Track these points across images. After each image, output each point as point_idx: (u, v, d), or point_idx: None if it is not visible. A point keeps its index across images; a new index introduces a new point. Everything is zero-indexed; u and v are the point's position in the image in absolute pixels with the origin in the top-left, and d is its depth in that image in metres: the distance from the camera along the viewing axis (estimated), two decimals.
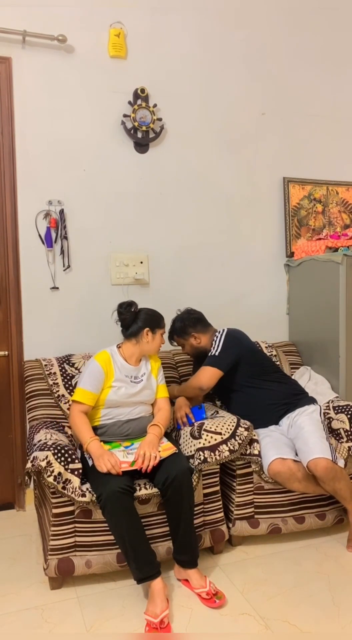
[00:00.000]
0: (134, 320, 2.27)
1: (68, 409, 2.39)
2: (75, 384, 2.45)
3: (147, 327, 2.25)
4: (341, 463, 2.22)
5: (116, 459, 1.99)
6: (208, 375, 2.38)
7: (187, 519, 2.00)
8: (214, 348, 2.42)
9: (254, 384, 2.42)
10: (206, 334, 2.54)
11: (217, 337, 2.46)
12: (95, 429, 2.20)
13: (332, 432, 2.46)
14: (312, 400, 2.49)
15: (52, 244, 2.72)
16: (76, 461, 2.01)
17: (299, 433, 2.28)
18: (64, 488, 1.94)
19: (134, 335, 2.26)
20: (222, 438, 2.15)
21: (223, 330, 2.48)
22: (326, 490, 2.18)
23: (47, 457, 1.96)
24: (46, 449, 2.00)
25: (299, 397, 2.48)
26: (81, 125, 2.77)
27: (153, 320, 2.28)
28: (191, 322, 2.55)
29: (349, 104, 3.38)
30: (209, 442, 2.14)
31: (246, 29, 3.10)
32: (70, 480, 1.96)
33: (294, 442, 2.30)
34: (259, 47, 3.14)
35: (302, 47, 3.24)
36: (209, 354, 2.42)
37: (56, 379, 2.56)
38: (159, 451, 2.06)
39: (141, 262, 2.90)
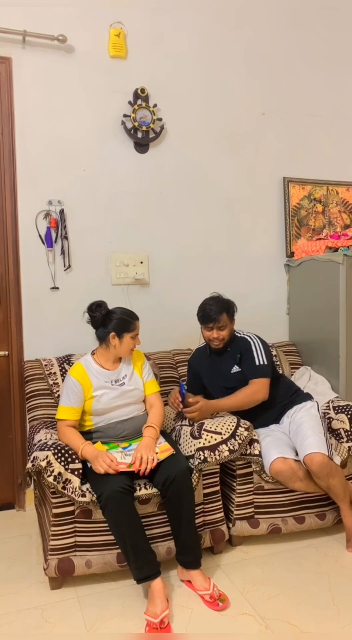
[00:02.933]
0: (102, 322, 2.22)
1: None
2: None
3: (112, 332, 2.18)
4: (337, 460, 2.22)
5: (112, 457, 1.99)
6: (268, 386, 2.35)
7: (188, 519, 2.00)
8: (258, 357, 2.36)
9: None
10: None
11: (254, 344, 2.40)
12: (90, 432, 2.20)
13: (332, 432, 2.46)
14: (308, 397, 2.50)
15: (52, 244, 2.72)
16: (76, 461, 2.01)
17: (297, 429, 2.29)
18: (64, 488, 1.94)
19: (102, 339, 2.22)
20: (222, 438, 2.16)
21: (253, 335, 2.45)
22: (320, 486, 2.18)
23: (47, 457, 1.96)
24: (46, 449, 2.00)
25: (296, 394, 2.50)
26: (81, 125, 2.77)
27: (120, 324, 2.20)
28: (235, 307, 2.48)
29: (349, 104, 3.38)
30: (209, 441, 2.14)
31: (246, 29, 3.10)
32: (70, 480, 1.96)
33: (292, 438, 2.31)
34: (259, 47, 3.13)
35: (302, 47, 3.24)
36: (258, 363, 2.35)
37: (56, 379, 2.56)
38: (157, 453, 2.06)
39: (141, 262, 2.90)
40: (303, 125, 3.26)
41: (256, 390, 2.33)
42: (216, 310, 2.38)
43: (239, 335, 2.48)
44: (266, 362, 2.37)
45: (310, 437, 2.20)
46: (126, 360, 2.29)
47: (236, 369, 2.41)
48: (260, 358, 2.37)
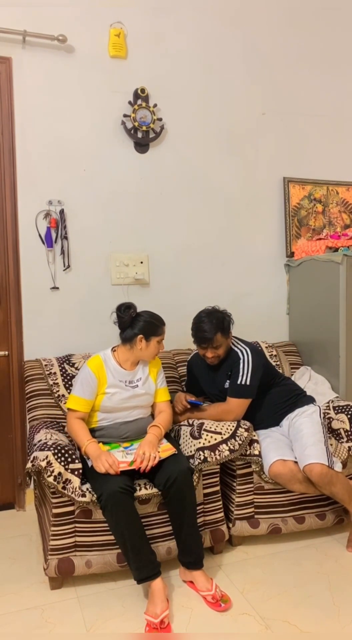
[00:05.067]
0: (130, 324, 2.21)
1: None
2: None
3: (140, 334, 2.18)
4: (338, 467, 2.21)
5: (114, 458, 1.99)
6: (243, 407, 2.29)
7: (190, 520, 2.00)
8: (242, 375, 2.28)
9: (259, 392, 2.39)
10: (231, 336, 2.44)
11: (243, 361, 2.31)
12: (93, 430, 2.20)
13: (333, 432, 2.46)
14: (311, 400, 2.48)
15: (52, 244, 2.72)
16: (76, 461, 2.01)
17: (297, 435, 2.27)
18: (64, 488, 1.94)
19: (127, 340, 2.21)
20: (222, 438, 2.16)
21: (247, 349, 2.35)
22: (324, 493, 2.19)
23: (47, 457, 1.96)
24: (46, 449, 2.00)
25: (298, 397, 2.47)
26: (81, 125, 2.77)
27: (149, 327, 2.20)
28: (230, 320, 2.39)
29: (349, 104, 3.38)
30: (209, 441, 2.14)
31: (247, 29, 3.10)
32: (70, 480, 1.96)
33: (292, 444, 2.30)
34: (259, 47, 3.13)
35: (302, 47, 3.24)
36: (239, 382, 2.28)
37: (56, 379, 2.56)
38: (159, 452, 2.06)
39: (141, 262, 2.90)
40: (303, 125, 3.26)
41: (228, 410, 2.29)
42: (209, 330, 2.28)
43: (234, 347, 2.40)
44: (247, 383, 2.28)
45: (310, 446, 2.18)
46: (143, 363, 2.28)
47: (228, 384, 2.37)
48: (244, 377, 2.29)
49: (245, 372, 2.30)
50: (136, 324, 2.20)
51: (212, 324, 2.30)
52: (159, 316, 2.28)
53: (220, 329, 2.30)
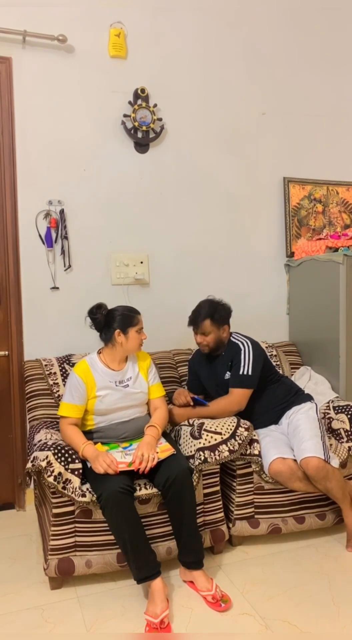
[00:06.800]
0: (105, 323, 2.20)
1: None
2: None
3: (117, 329, 2.17)
4: (335, 463, 2.22)
5: (112, 458, 1.99)
6: (246, 397, 2.32)
7: (190, 520, 2.00)
8: (244, 366, 2.32)
9: (258, 388, 2.40)
10: (228, 330, 2.47)
11: (244, 352, 2.35)
12: (91, 432, 2.20)
13: (333, 432, 2.46)
14: (308, 398, 2.49)
15: (53, 244, 2.72)
16: (76, 461, 2.01)
17: (294, 432, 2.29)
18: (64, 488, 1.94)
19: (108, 340, 2.20)
20: (222, 438, 2.16)
21: (247, 341, 2.40)
22: (319, 489, 2.18)
23: (47, 457, 1.96)
24: (46, 449, 2.00)
25: (296, 395, 2.48)
26: (81, 125, 2.77)
27: (123, 320, 2.19)
28: (229, 313, 2.46)
29: (349, 104, 3.38)
30: (209, 442, 2.14)
31: (247, 29, 3.10)
32: (70, 480, 1.96)
33: (290, 440, 2.31)
34: (259, 47, 3.13)
35: (302, 47, 3.24)
36: (241, 372, 2.31)
37: (56, 379, 2.56)
38: (157, 452, 2.06)
39: (141, 262, 2.90)
40: (303, 125, 3.26)
41: (231, 401, 2.32)
42: (199, 314, 2.39)
43: (234, 340, 2.44)
44: (249, 373, 2.32)
45: (307, 440, 2.19)
46: (132, 361, 2.28)
47: (228, 375, 2.39)
48: (245, 367, 2.33)
49: (246, 362, 2.34)
50: (111, 322, 2.20)
51: (204, 309, 2.40)
52: (131, 307, 2.28)
53: (210, 315, 2.38)
